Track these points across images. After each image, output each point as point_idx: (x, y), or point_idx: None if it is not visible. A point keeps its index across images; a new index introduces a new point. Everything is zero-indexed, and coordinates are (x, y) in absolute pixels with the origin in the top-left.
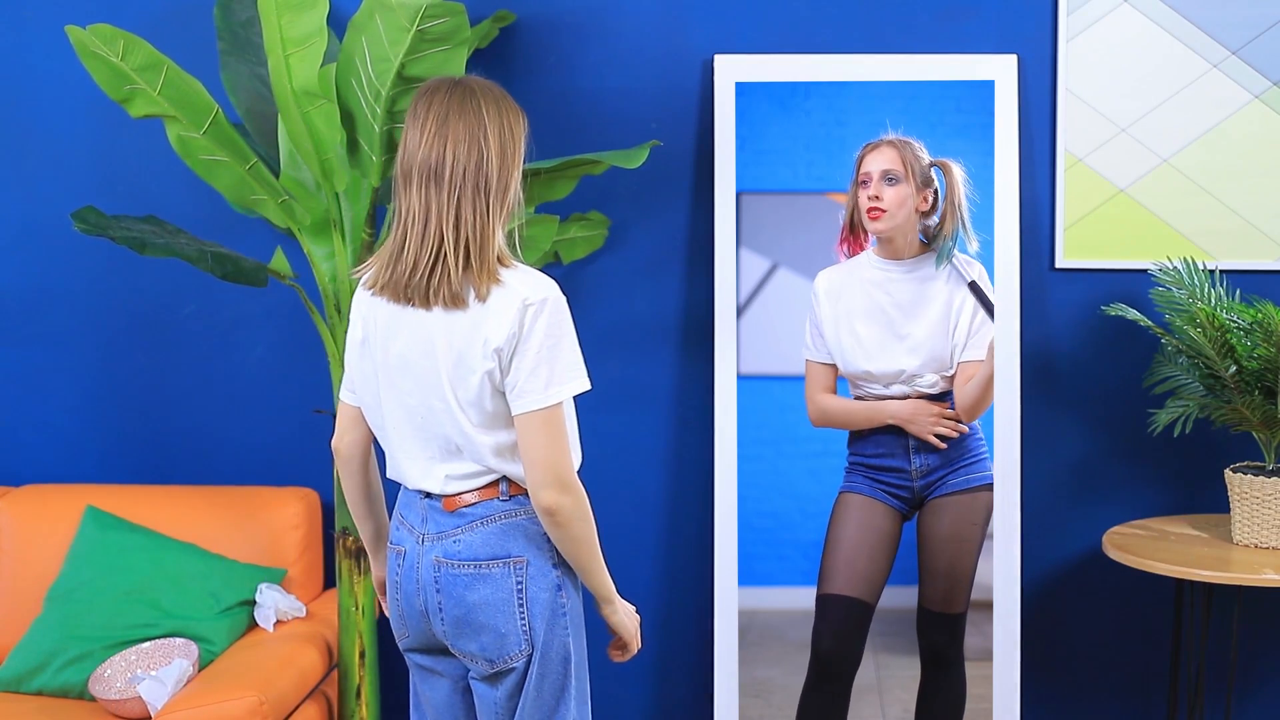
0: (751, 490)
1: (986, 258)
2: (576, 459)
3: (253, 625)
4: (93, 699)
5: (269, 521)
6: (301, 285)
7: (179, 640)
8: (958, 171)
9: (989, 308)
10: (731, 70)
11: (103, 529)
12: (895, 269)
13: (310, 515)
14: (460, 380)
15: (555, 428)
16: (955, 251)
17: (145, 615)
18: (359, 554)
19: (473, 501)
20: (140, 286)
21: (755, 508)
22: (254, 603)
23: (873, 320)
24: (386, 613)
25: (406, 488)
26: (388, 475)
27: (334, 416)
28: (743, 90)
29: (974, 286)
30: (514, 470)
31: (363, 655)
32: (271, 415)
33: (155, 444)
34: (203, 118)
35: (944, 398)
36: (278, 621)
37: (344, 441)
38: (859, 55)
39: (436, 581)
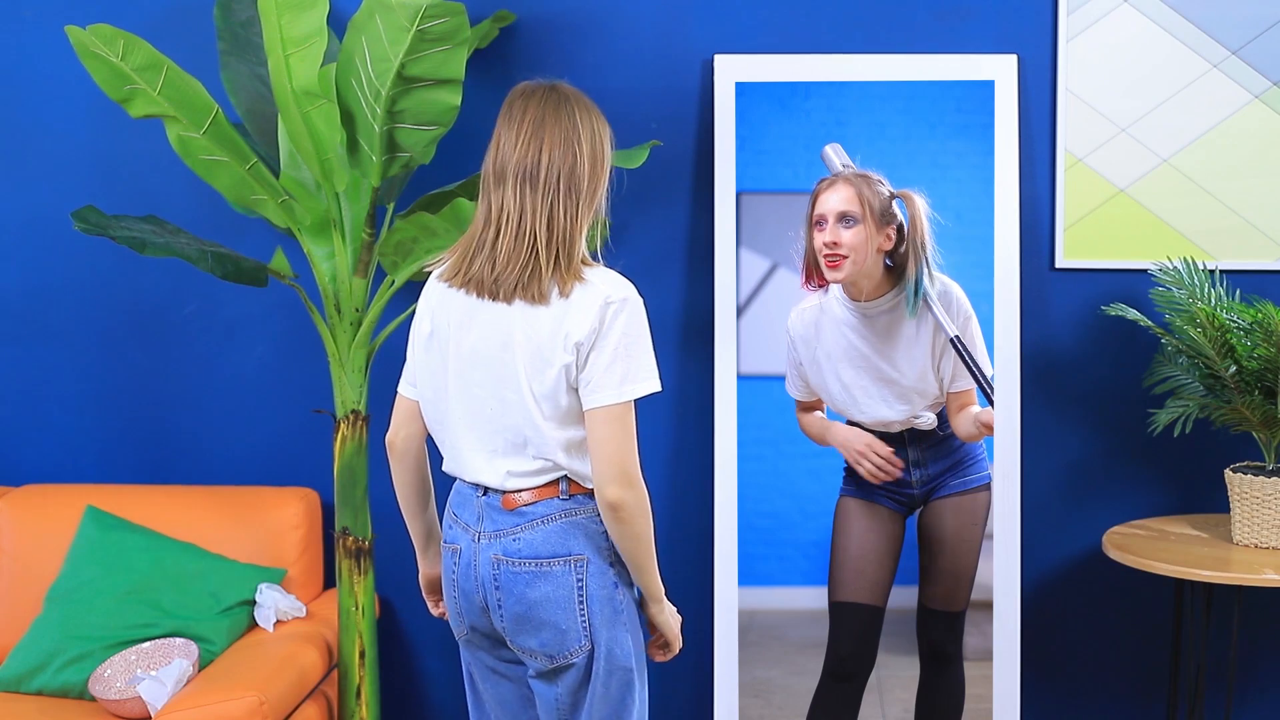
0: (751, 490)
1: (986, 258)
2: None
3: (253, 625)
4: (93, 699)
5: (269, 521)
6: (301, 285)
7: (179, 640)
8: (920, 203)
9: (975, 369)
10: (731, 70)
11: (103, 529)
12: (865, 309)
13: (310, 515)
14: (537, 373)
15: (625, 424)
16: (923, 294)
17: (145, 615)
18: (359, 554)
19: (532, 500)
20: (140, 286)
21: (755, 508)
22: (254, 603)
23: (856, 367)
24: (432, 611)
25: (462, 485)
26: (444, 469)
27: (334, 416)
28: (743, 90)
29: (956, 343)
30: (580, 467)
31: (363, 655)
32: (271, 415)
33: (155, 444)
34: (203, 118)
35: (943, 412)
36: (278, 621)
37: (400, 436)
38: (859, 55)
39: (496, 579)
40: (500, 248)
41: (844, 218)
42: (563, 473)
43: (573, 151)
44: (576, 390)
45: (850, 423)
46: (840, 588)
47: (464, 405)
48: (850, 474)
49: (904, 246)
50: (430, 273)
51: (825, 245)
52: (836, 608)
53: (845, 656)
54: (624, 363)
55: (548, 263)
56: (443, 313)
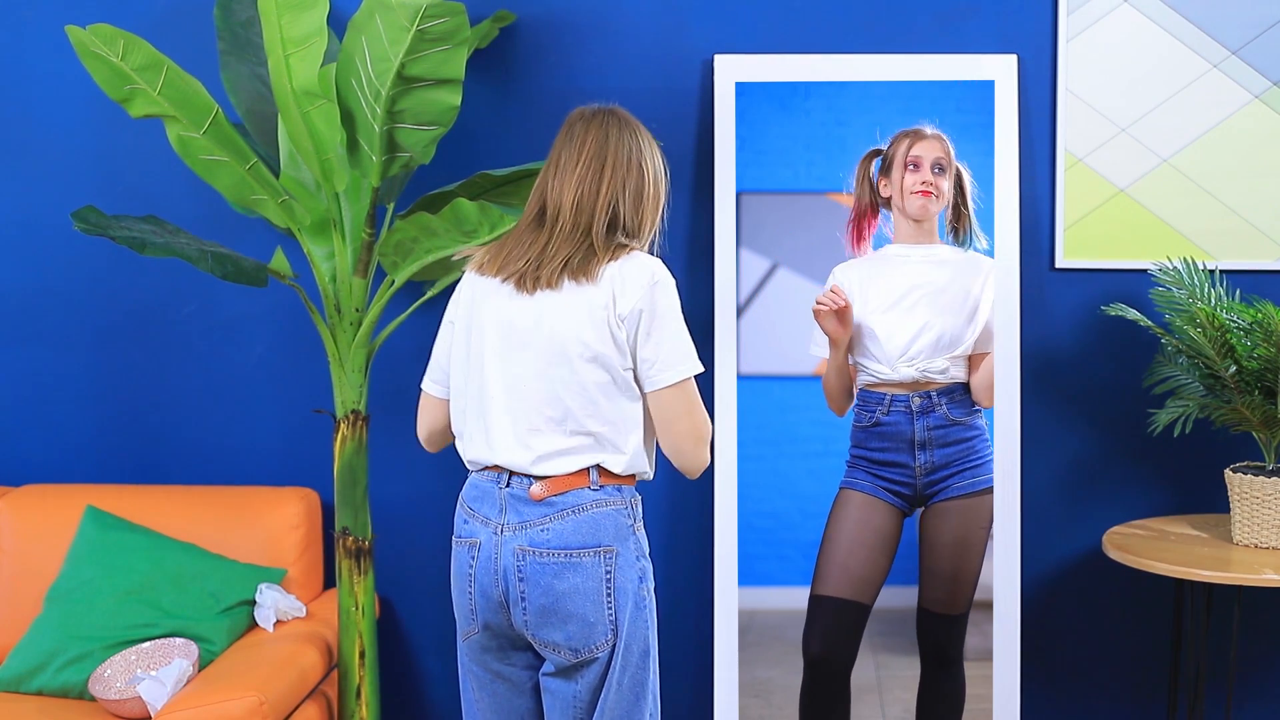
0: (751, 490)
1: (986, 258)
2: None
3: (253, 625)
4: (93, 699)
5: (269, 521)
6: (301, 285)
7: (179, 640)
8: (965, 174)
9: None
10: (731, 70)
11: (103, 529)
12: (916, 252)
13: (310, 515)
14: (582, 344)
15: (695, 392)
16: (969, 238)
17: (145, 615)
18: (359, 554)
19: (560, 490)
20: (140, 286)
21: (755, 508)
22: (254, 603)
23: (890, 296)
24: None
25: (479, 479)
26: (467, 458)
27: (334, 416)
28: (743, 90)
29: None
30: (615, 441)
31: (363, 655)
32: (271, 415)
33: (155, 444)
34: (203, 118)
35: (953, 391)
36: (278, 621)
37: (427, 433)
38: (859, 55)
39: (519, 570)
40: (553, 247)
41: (937, 164)
42: (595, 460)
43: (637, 169)
44: (621, 364)
45: (868, 386)
46: (822, 581)
47: (504, 384)
48: (855, 466)
49: (953, 202)
50: (464, 268)
51: (922, 183)
52: (815, 601)
53: (814, 657)
54: (681, 338)
55: (603, 254)
56: (481, 300)
